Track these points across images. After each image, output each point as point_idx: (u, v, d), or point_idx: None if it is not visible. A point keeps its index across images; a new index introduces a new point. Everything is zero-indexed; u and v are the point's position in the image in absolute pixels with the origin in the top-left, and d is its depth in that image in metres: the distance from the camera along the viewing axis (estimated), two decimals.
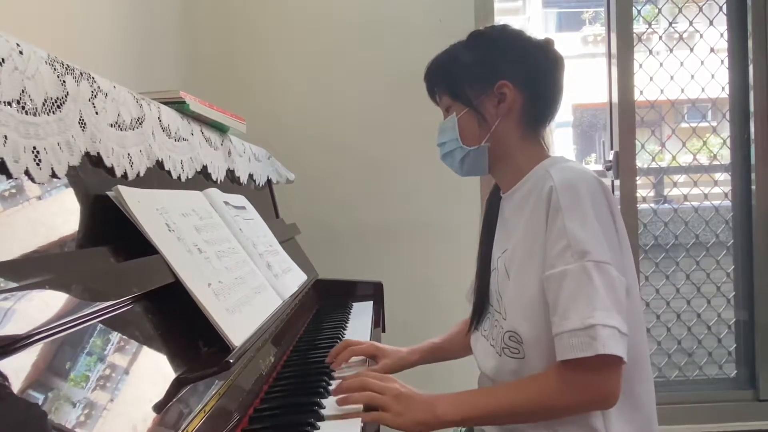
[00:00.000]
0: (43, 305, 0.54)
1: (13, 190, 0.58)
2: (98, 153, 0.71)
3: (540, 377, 0.92)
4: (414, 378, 1.10)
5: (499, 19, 2.19)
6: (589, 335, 0.83)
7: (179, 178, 0.97)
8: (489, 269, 1.08)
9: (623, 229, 0.94)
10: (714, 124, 2.35)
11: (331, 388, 0.98)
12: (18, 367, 0.49)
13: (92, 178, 0.73)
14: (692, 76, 2.25)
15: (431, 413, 0.90)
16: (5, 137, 0.54)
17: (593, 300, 0.85)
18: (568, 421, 0.93)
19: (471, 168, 1.08)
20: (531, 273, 0.94)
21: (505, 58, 1.03)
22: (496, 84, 1.02)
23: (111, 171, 0.75)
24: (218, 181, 1.17)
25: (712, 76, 2.25)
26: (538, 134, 1.06)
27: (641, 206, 2.22)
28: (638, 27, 2.20)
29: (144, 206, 0.77)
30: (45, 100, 0.60)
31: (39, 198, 0.62)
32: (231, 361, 0.73)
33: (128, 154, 0.79)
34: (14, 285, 0.51)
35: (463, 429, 1.17)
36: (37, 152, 0.59)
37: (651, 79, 2.23)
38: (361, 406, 0.90)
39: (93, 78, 0.71)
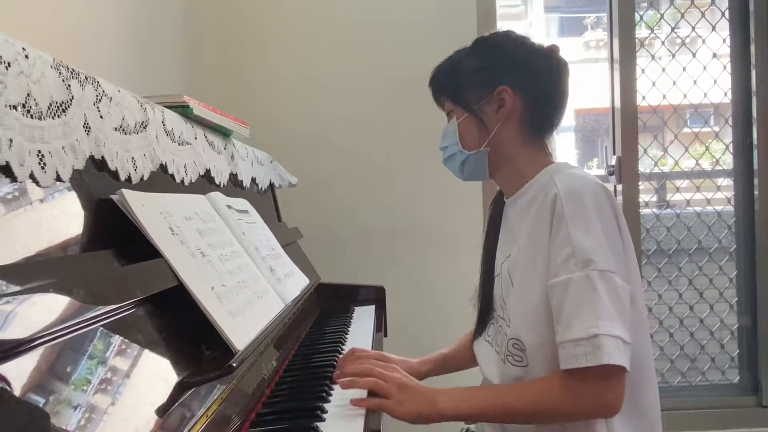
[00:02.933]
0: (46, 309, 0.54)
1: (18, 194, 0.58)
2: (102, 157, 0.71)
3: (543, 382, 0.92)
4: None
5: (502, 24, 2.19)
6: (593, 345, 0.83)
7: (183, 181, 0.97)
8: (493, 275, 1.08)
9: (628, 236, 0.94)
10: (716, 129, 2.35)
11: (332, 392, 0.98)
12: (21, 371, 0.49)
13: (96, 182, 0.73)
14: (695, 82, 2.25)
15: (432, 405, 0.91)
16: (10, 141, 0.54)
17: (597, 309, 0.85)
18: (570, 426, 0.93)
19: (471, 173, 1.09)
20: (534, 281, 0.94)
21: (506, 63, 1.04)
22: (496, 89, 1.02)
23: (115, 175, 0.75)
24: (221, 185, 1.17)
25: (715, 81, 2.25)
26: (542, 140, 1.06)
27: (643, 211, 2.22)
28: (640, 32, 2.20)
29: (148, 210, 0.77)
30: (50, 104, 0.61)
31: (43, 201, 0.62)
32: (234, 365, 0.73)
33: (132, 158, 0.79)
34: (18, 288, 0.51)
35: (468, 425, 1.17)
36: (42, 156, 0.59)
37: (653, 84, 2.23)
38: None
39: (98, 82, 0.71)
